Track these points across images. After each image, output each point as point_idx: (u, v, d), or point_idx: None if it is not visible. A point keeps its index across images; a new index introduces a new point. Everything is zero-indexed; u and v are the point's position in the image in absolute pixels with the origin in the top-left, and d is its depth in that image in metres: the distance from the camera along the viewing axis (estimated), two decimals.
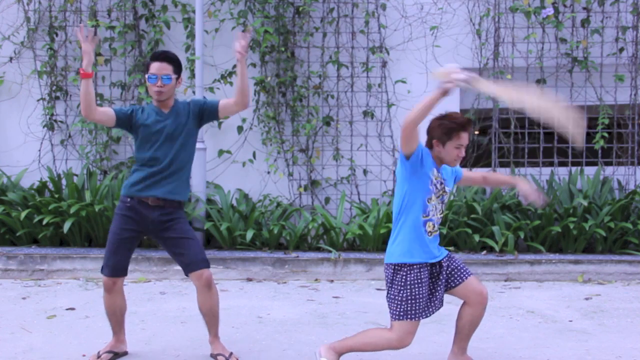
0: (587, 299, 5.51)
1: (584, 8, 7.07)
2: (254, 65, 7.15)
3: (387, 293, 3.45)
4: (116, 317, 3.94)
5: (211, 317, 3.91)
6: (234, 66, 7.09)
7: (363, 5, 7.13)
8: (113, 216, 3.91)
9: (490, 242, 6.41)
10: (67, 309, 5.08)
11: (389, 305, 3.44)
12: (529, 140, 7.24)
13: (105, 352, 3.90)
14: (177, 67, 3.86)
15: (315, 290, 5.83)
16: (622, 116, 7.20)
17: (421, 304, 3.38)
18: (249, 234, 6.53)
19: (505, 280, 6.20)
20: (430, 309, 3.47)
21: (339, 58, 7.12)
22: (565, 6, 7.08)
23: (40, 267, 6.27)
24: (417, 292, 3.37)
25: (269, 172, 7.21)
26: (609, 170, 7.19)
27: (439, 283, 3.49)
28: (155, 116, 3.86)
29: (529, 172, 7.16)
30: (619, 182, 7.13)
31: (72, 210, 6.47)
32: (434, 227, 3.44)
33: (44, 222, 6.50)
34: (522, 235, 6.46)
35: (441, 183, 3.45)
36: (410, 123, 3.22)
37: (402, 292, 3.37)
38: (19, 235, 6.72)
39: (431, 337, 4.39)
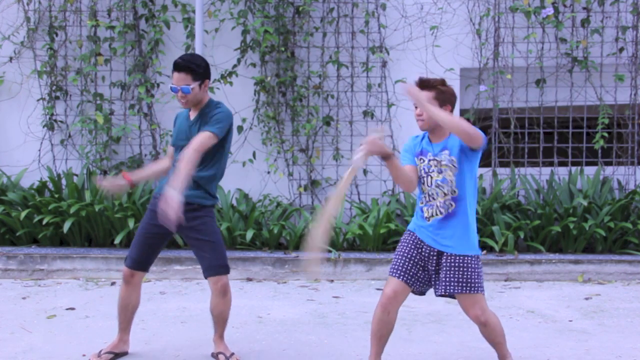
0: (587, 298, 5.51)
1: (584, 8, 7.07)
2: (253, 65, 7.15)
3: None
4: (126, 313, 3.96)
5: (220, 320, 3.94)
6: (234, 66, 7.10)
7: (363, 5, 7.13)
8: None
9: (490, 242, 6.41)
10: (67, 309, 5.09)
11: None
12: (529, 140, 7.24)
13: (105, 352, 3.90)
14: (198, 73, 3.77)
15: (315, 290, 5.83)
16: (622, 116, 7.20)
17: (398, 262, 3.52)
18: (249, 234, 6.53)
19: (505, 280, 6.20)
20: (404, 276, 3.49)
21: (339, 58, 7.11)
22: (565, 6, 7.07)
23: (40, 267, 6.27)
24: (398, 250, 3.57)
25: (269, 172, 7.21)
26: (609, 170, 7.19)
27: (425, 267, 3.53)
28: (181, 122, 3.94)
29: (529, 172, 7.16)
30: (619, 182, 7.13)
31: (72, 210, 6.47)
32: (429, 212, 3.50)
33: (44, 222, 6.50)
34: (522, 235, 6.47)
35: (431, 165, 3.49)
36: None
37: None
38: (19, 235, 6.72)
39: (431, 337, 4.40)
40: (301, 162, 7.25)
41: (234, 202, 7.15)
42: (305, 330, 4.57)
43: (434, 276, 3.53)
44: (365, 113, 7.17)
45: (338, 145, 7.21)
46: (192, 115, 3.88)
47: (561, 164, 7.28)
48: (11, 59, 7.30)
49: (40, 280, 6.16)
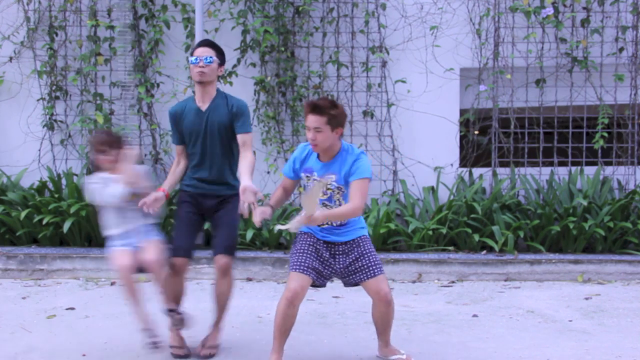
0: (587, 298, 5.51)
1: (584, 8, 7.07)
2: (253, 65, 7.15)
3: None
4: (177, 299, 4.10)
5: (219, 304, 4.03)
6: (234, 66, 7.10)
7: (363, 5, 7.13)
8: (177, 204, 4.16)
9: (490, 242, 6.41)
10: (67, 309, 5.09)
11: None
12: (529, 140, 7.24)
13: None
14: (220, 54, 4.04)
15: (315, 289, 5.82)
16: (622, 116, 7.20)
17: (301, 257, 3.62)
18: (249, 234, 6.53)
19: (505, 280, 6.20)
20: (309, 271, 3.60)
21: (339, 58, 7.11)
22: (565, 6, 7.08)
23: (40, 267, 6.27)
24: (299, 247, 3.66)
25: (268, 172, 7.20)
26: (608, 170, 7.19)
27: (330, 261, 3.69)
28: (192, 116, 4.03)
29: (529, 172, 7.17)
30: (619, 182, 7.14)
31: (72, 210, 6.47)
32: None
33: (44, 222, 6.51)
34: (521, 235, 6.47)
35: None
36: None
37: (292, 249, 3.76)
38: (19, 235, 6.73)
39: (431, 337, 4.40)
40: None
41: None
42: (305, 330, 4.57)
43: (340, 269, 3.70)
44: (365, 113, 7.18)
45: None
46: (204, 105, 4.02)
47: (561, 163, 7.28)
48: (11, 59, 7.30)
49: (40, 280, 6.16)
